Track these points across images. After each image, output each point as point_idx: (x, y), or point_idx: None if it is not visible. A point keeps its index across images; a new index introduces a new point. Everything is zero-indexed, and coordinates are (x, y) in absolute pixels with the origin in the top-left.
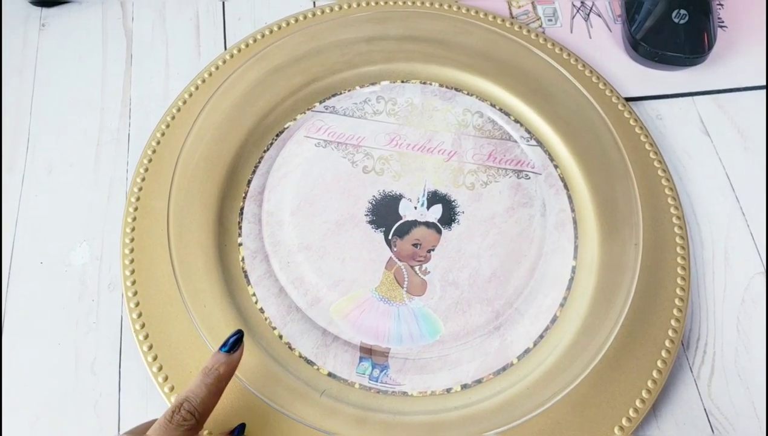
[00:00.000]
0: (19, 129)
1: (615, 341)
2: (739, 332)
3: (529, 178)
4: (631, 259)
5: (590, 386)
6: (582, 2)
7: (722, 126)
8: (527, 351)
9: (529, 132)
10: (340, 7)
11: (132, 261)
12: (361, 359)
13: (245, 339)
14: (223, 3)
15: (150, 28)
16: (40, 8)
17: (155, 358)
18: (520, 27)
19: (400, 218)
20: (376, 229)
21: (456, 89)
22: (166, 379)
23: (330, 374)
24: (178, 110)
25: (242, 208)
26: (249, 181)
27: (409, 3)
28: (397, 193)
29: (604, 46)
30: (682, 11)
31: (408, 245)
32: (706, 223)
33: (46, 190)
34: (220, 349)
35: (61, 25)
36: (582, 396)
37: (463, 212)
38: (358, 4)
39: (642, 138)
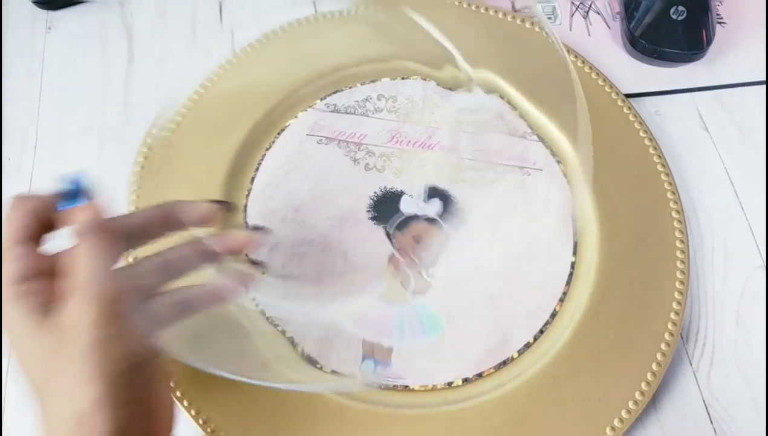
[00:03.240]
0: (27, 131)
1: (615, 333)
2: (738, 325)
3: (531, 174)
4: (630, 253)
5: (590, 378)
6: (581, 0)
7: (721, 121)
8: (527, 345)
9: (531, 127)
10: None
11: (134, 259)
12: (364, 357)
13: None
14: (220, 2)
15: (150, 27)
16: (46, 11)
17: None
18: (522, 21)
19: (402, 214)
20: (378, 225)
21: (457, 84)
22: None
23: (333, 372)
24: (185, 109)
25: (245, 206)
26: (252, 179)
27: None
28: (398, 189)
29: (604, 43)
30: (680, 8)
31: (408, 239)
32: (706, 217)
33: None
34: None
35: (66, 27)
36: (582, 388)
37: (463, 208)
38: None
39: (642, 133)
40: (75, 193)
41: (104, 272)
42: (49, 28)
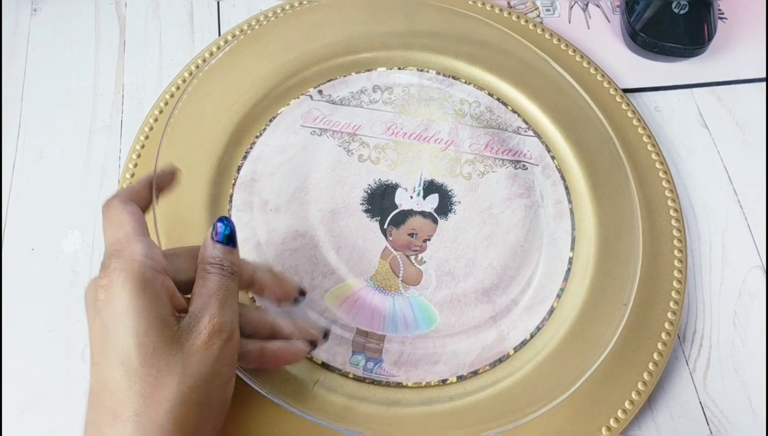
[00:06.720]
0: (10, 115)
1: (611, 333)
2: (735, 326)
3: (526, 168)
4: (627, 251)
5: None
6: None
7: (721, 119)
8: (524, 343)
9: (526, 122)
10: None
11: None
12: (353, 352)
13: None
14: None
15: (143, 14)
16: None
17: None
18: (518, 17)
19: (396, 208)
20: (372, 218)
21: (454, 77)
22: None
23: (324, 364)
24: (171, 96)
25: (231, 196)
26: (239, 168)
27: None
28: (393, 182)
29: (603, 37)
30: (683, 2)
31: (404, 234)
32: (704, 216)
33: (38, 178)
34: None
35: (53, 9)
36: (578, 388)
37: (459, 202)
38: None
39: (640, 130)
40: (228, 237)
41: (236, 316)
42: (35, 10)
